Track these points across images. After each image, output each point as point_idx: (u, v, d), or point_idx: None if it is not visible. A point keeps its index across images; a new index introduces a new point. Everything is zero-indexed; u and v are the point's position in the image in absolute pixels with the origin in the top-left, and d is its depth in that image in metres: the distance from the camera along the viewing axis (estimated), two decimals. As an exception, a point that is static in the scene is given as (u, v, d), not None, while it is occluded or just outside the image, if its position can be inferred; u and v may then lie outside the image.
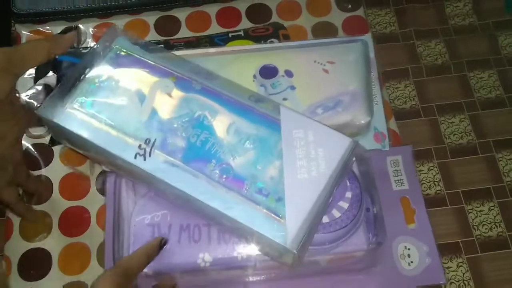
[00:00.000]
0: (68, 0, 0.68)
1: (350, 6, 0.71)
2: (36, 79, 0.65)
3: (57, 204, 0.59)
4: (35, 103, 0.64)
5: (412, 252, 0.52)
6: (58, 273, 0.56)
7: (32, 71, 0.66)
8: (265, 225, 0.43)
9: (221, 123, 0.47)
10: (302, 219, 0.43)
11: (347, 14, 0.71)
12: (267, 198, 0.44)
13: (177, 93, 0.49)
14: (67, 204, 0.59)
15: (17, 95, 0.62)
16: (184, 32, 0.69)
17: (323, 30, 0.69)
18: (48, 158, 0.61)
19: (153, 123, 0.47)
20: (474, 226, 0.63)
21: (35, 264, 0.56)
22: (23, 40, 0.68)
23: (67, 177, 0.60)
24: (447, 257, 0.61)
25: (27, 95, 0.65)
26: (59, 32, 0.69)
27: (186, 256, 0.48)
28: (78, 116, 0.47)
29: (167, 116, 0.48)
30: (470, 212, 0.64)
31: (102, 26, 0.70)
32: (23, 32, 0.69)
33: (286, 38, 0.65)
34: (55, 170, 0.61)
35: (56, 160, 0.61)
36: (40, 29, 0.69)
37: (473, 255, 0.62)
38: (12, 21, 0.72)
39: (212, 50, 0.58)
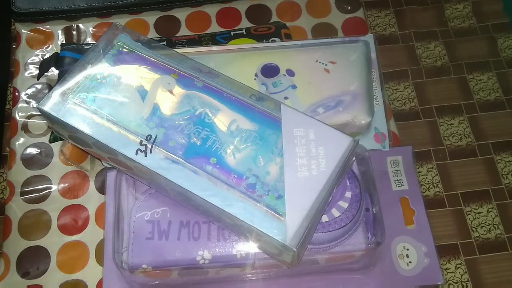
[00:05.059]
0: (68, -1, 0.68)
1: (349, 7, 0.71)
2: (39, 74, 0.65)
3: (56, 202, 0.59)
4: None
5: (411, 253, 0.52)
6: (56, 271, 0.56)
7: (32, 69, 0.66)
8: (265, 222, 0.43)
9: (222, 120, 0.48)
10: (302, 217, 0.43)
11: (347, 16, 0.71)
12: (267, 196, 0.44)
13: (178, 90, 0.49)
14: (66, 202, 0.59)
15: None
16: (184, 32, 0.69)
17: (323, 31, 0.70)
18: (48, 156, 0.61)
19: (154, 119, 0.47)
20: (473, 228, 0.63)
21: (34, 262, 0.56)
22: (23, 39, 0.68)
23: (66, 176, 0.60)
24: (445, 259, 0.61)
25: (27, 93, 0.65)
26: (59, 31, 0.69)
27: (185, 253, 0.48)
28: (79, 112, 0.47)
29: (168, 113, 0.48)
30: (469, 214, 0.64)
31: (102, 25, 0.70)
32: (23, 31, 0.69)
33: (288, 37, 0.65)
34: (55, 168, 0.61)
35: (56, 158, 0.61)
36: (40, 28, 0.69)
37: (471, 257, 0.62)
38: (12, 20, 0.72)
39: (214, 48, 0.58)
